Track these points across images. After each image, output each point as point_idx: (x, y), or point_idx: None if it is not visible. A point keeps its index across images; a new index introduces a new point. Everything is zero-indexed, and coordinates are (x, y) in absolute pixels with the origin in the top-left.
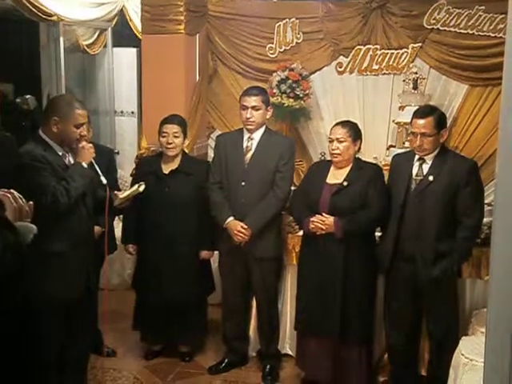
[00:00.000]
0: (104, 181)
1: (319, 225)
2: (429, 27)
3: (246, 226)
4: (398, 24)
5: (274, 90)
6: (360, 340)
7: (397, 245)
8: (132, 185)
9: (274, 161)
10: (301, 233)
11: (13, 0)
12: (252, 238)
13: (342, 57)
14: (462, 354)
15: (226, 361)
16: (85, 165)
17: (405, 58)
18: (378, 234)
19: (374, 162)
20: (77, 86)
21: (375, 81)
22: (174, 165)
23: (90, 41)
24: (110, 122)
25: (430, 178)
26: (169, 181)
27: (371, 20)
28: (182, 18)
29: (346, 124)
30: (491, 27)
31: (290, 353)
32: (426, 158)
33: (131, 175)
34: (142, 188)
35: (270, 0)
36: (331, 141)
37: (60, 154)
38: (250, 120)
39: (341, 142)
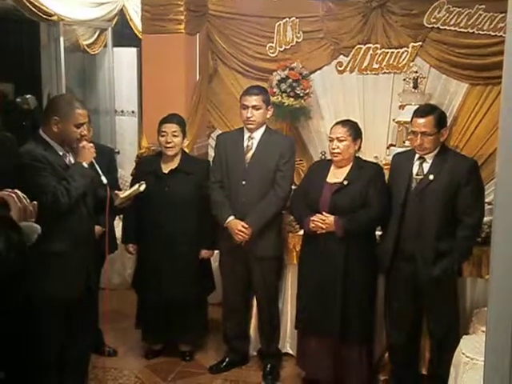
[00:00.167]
0: (104, 180)
1: (319, 224)
2: (429, 26)
3: (246, 225)
4: (398, 23)
5: (275, 90)
6: (360, 339)
7: (397, 244)
8: (132, 184)
9: (274, 160)
10: (301, 232)
11: (13, 0)
12: (252, 237)
13: (342, 56)
14: (463, 353)
15: (227, 360)
16: (85, 164)
17: (405, 57)
18: (378, 233)
19: (375, 161)
20: (77, 86)
21: (375, 80)
22: (174, 164)
23: (91, 40)
24: (111, 122)
25: (431, 177)
26: (168, 180)
27: (371, 19)
28: (182, 17)
29: (346, 123)
30: (491, 26)
31: (291, 352)
32: (426, 157)
33: (131, 175)
34: (142, 187)
35: None
36: (331, 140)
37: (60, 153)
38: (251, 119)
39: (341, 141)
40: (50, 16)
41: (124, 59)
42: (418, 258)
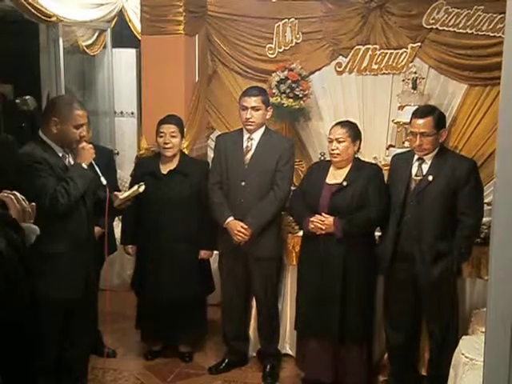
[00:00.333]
0: (104, 181)
1: (319, 225)
2: (428, 27)
3: (245, 226)
4: (397, 24)
5: (274, 90)
6: (360, 340)
7: (396, 245)
8: (131, 185)
9: (273, 161)
10: (301, 233)
11: (12, 1)
12: (252, 237)
13: (341, 57)
14: (463, 354)
15: (226, 361)
16: (85, 166)
17: (404, 58)
18: (377, 233)
19: (374, 161)
20: (76, 87)
21: (374, 81)
22: (172, 165)
23: (90, 41)
24: (110, 123)
25: (430, 177)
26: (167, 181)
27: (370, 20)
28: (182, 18)
29: (345, 124)
30: (490, 27)
31: (290, 353)
32: (425, 157)
33: (131, 176)
34: (142, 189)
35: (269, 0)
36: (331, 141)
37: (60, 154)
38: (250, 120)
39: (340, 142)
40: (49, 17)
41: (123, 60)
42: (418, 258)
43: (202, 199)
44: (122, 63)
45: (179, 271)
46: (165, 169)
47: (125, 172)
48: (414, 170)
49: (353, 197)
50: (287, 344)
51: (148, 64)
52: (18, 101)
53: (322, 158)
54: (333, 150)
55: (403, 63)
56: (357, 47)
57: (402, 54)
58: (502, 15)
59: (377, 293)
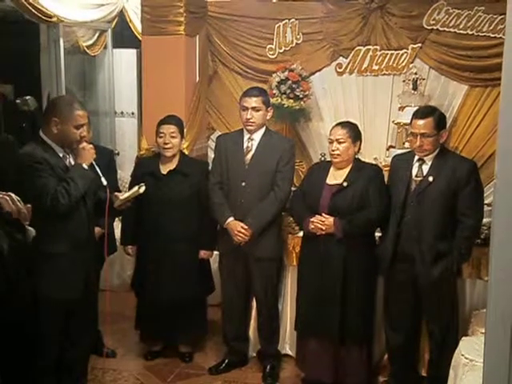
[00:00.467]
0: (104, 182)
1: (319, 225)
2: (428, 28)
3: (246, 227)
4: (397, 25)
5: (274, 91)
6: (360, 340)
7: (397, 245)
8: (131, 186)
9: (274, 161)
10: (301, 233)
11: (13, 1)
12: (252, 238)
13: (341, 57)
14: (462, 355)
15: (226, 361)
16: (85, 166)
17: (404, 59)
18: (377, 234)
19: (374, 162)
20: (77, 87)
21: (375, 81)
22: (172, 165)
23: (90, 42)
24: (110, 123)
25: (430, 178)
26: (167, 181)
27: (371, 21)
28: (182, 19)
29: (345, 125)
30: (491, 28)
31: (290, 353)
32: (425, 158)
33: (131, 176)
34: (142, 189)
35: (269, 1)
36: (331, 141)
37: (61, 155)
38: (251, 121)
39: (341, 142)
40: (50, 17)
41: (124, 60)
42: (418, 259)
43: (201, 199)
44: (122, 63)
45: (179, 271)
46: (164, 169)
47: (125, 172)
48: (415, 170)
49: (353, 197)
50: (287, 344)
51: (148, 64)
52: (18, 101)
53: (323, 158)
54: (333, 150)
55: (404, 64)
56: (357, 48)
57: (402, 54)
58: (502, 16)
59: (377, 293)
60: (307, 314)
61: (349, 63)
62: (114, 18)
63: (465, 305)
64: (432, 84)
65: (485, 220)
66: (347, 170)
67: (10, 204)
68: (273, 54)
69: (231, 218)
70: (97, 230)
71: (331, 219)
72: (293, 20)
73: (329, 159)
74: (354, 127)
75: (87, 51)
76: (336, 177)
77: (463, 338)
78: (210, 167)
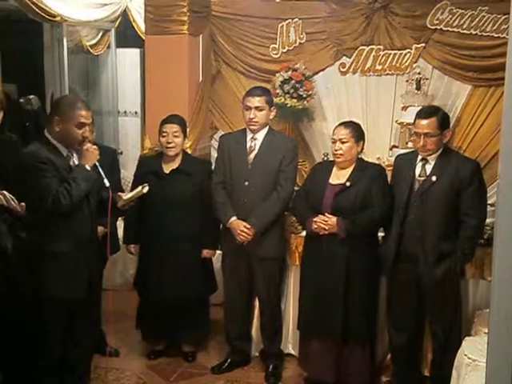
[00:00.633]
0: (107, 183)
1: (322, 225)
2: (432, 27)
3: (249, 226)
4: (401, 24)
5: (277, 91)
6: (363, 340)
7: (400, 245)
8: (133, 185)
9: (277, 161)
10: (304, 233)
11: (16, 0)
12: (255, 237)
13: (345, 57)
14: (465, 355)
15: (229, 361)
16: (88, 167)
17: (408, 59)
18: (380, 234)
19: (377, 162)
20: (80, 87)
21: (378, 81)
22: (175, 164)
23: (94, 41)
24: (114, 123)
25: (433, 178)
26: (170, 180)
27: (374, 20)
28: (186, 18)
29: (348, 124)
30: (494, 28)
31: (293, 353)
32: (428, 158)
33: (134, 175)
34: (145, 189)
35: (273, 0)
36: (334, 141)
37: (65, 154)
38: (254, 120)
39: (344, 142)
40: (54, 17)
41: (127, 60)
42: (421, 259)
43: (204, 198)
44: (125, 63)
45: (182, 271)
46: (167, 168)
47: (128, 172)
48: (418, 170)
49: (356, 197)
50: (290, 344)
51: (152, 64)
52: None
53: (326, 158)
54: (336, 150)
55: (407, 64)
56: (361, 48)
57: (405, 54)
58: (506, 16)
59: (380, 293)
60: (310, 313)
61: (352, 63)
62: (117, 18)
63: (468, 305)
64: (435, 84)
65: (488, 220)
66: (350, 169)
67: (3, 202)
68: (276, 54)
69: (234, 218)
70: (100, 229)
71: (334, 219)
72: (296, 20)
73: (332, 159)
74: (357, 127)
75: (91, 51)
76: (339, 176)
77: (466, 338)
78: (212, 167)
